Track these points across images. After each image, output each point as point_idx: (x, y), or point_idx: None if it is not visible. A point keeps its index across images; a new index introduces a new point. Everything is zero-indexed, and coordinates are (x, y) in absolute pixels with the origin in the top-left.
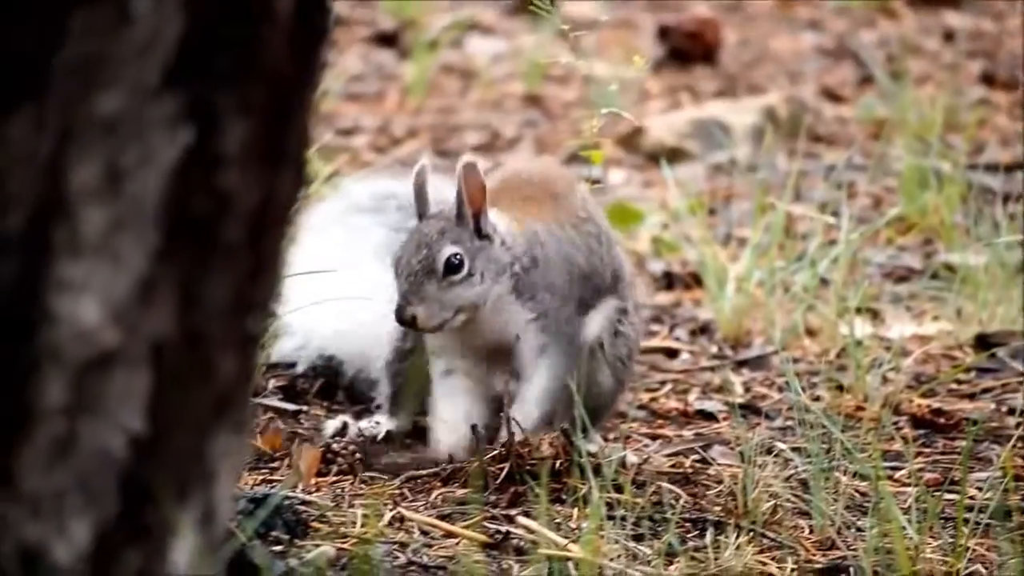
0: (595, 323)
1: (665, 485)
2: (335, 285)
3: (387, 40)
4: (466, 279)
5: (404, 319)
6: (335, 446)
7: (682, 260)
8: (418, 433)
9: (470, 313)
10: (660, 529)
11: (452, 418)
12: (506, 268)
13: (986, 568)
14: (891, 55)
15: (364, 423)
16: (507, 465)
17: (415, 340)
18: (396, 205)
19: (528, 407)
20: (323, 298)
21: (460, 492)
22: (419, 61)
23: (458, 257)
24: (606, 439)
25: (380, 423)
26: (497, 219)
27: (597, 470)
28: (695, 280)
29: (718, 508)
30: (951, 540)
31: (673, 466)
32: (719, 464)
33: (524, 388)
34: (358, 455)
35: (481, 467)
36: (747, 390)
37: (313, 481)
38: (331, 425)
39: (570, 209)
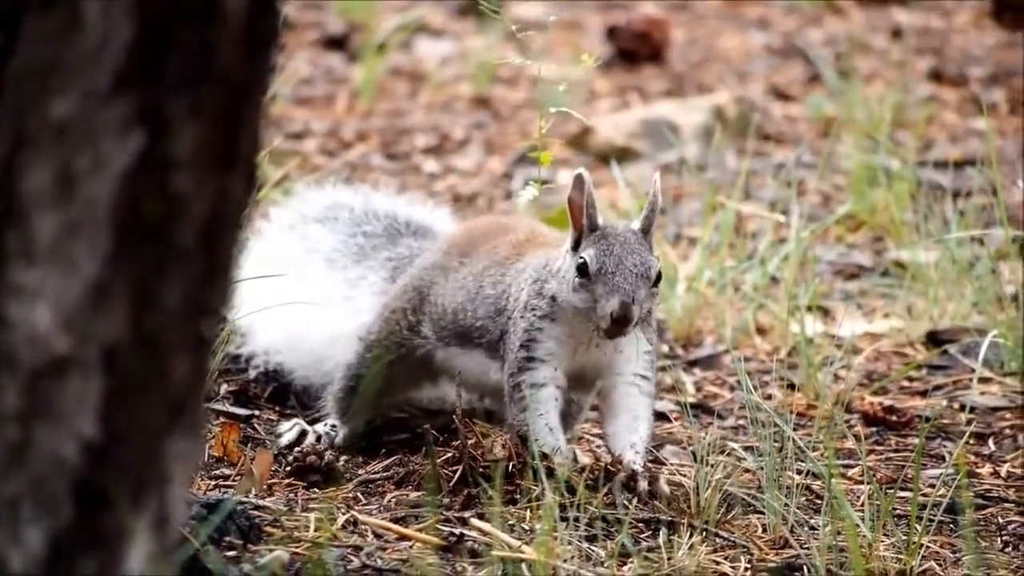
0: None
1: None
2: (286, 292)
3: (336, 43)
4: (656, 291)
5: (628, 316)
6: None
7: None
8: (369, 436)
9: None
10: (613, 530)
11: (557, 425)
12: None
13: (940, 565)
14: (839, 53)
15: (321, 427)
16: (460, 467)
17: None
18: (348, 214)
19: (643, 433)
20: (273, 304)
21: (414, 495)
22: (368, 64)
23: (659, 270)
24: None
25: (336, 427)
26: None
27: (550, 472)
28: None
29: (671, 508)
30: (904, 537)
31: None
32: (671, 464)
33: (636, 422)
34: (325, 460)
35: (434, 469)
36: (698, 389)
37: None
38: (286, 430)
39: None
